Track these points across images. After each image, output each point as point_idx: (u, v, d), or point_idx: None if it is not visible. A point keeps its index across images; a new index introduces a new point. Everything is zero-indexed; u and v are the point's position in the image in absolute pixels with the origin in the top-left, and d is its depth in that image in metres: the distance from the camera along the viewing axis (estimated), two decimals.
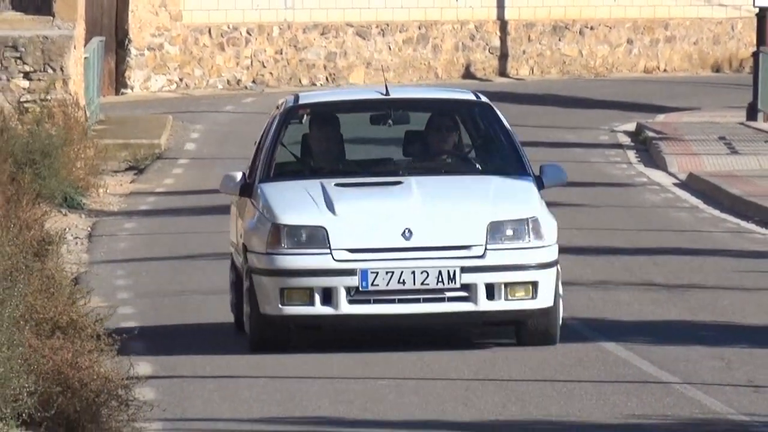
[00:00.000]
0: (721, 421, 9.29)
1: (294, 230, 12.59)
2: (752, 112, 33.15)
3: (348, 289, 12.35)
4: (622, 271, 18.11)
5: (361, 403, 10.58)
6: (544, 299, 12.39)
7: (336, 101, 15.06)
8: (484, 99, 14.20)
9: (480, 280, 12.29)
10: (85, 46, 33.54)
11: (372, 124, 14.29)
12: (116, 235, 23.91)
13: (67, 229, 22.18)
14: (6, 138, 24.37)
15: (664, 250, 19.78)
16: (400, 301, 12.43)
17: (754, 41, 35.72)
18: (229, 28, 48.69)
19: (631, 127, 34.94)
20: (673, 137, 31.56)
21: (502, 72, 45.39)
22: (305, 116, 14.14)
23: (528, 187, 13.11)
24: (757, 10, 33.99)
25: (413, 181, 13.05)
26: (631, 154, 31.85)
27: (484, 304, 12.30)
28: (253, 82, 46.70)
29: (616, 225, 22.36)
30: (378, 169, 13.74)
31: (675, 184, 26.80)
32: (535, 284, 12.43)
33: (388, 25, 48.47)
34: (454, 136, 13.97)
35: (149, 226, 24.87)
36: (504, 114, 15.09)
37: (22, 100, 29.40)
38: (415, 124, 14.36)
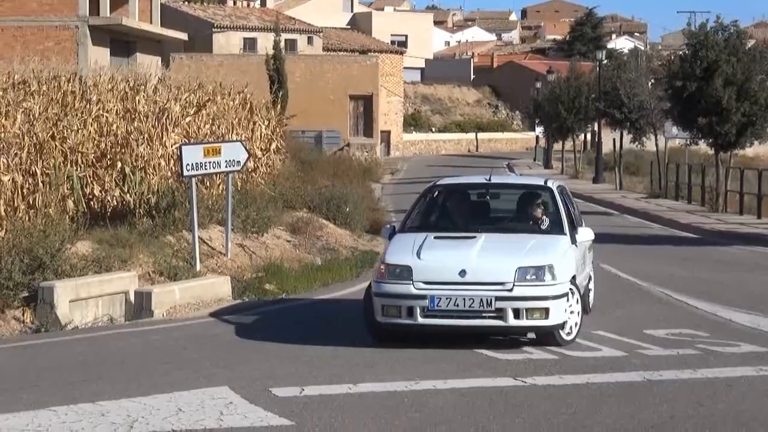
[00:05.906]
0: None
1: (392, 267, 13.50)
2: None
3: (422, 308, 13.21)
4: None
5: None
6: (554, 319, 13.11)
7: (456, 183, 16.08)
8: (548, 184, 15.32)
9: (508, 306, 13.01)
10: (380, 144, 68.51)
11: (478, 198, 15.55)
12: (386, 187, 48.46)
13: (374, 186, 42.67)
14: (362, 165, 45.63)
15: None
16: (455, 317, 13.18)
17: None
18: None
19: None
20: None
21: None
22: (436, 192, 15.38)
23: (557, 242, 13.91)
24: None
25: (482, 237, 13.84)
26: None
27: (511, 321, 13.11)
28: None
29: None
30: (466, 227, 14.55)
31: None
32: (547, 309, 13.05)
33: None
34: (527, 208, 15.05)
35: (394, 187, 49.14)
36: None
37: (365, 158, 52.34)
38: (504, 199, 15.15)
